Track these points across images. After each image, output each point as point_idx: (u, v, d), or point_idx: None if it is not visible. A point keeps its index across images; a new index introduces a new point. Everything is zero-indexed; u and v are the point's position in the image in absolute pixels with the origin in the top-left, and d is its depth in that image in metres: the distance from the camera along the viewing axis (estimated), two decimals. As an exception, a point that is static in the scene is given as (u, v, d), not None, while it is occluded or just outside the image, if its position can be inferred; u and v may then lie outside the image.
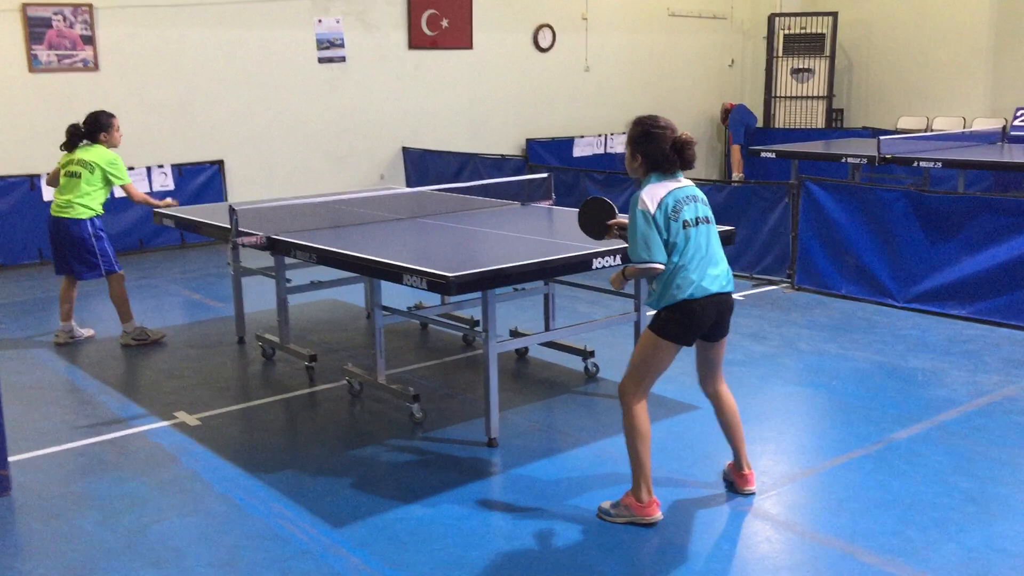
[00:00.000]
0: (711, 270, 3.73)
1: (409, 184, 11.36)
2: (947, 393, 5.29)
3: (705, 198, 3.82)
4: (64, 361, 6.14)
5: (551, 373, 5.78)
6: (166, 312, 7.56)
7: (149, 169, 9.78)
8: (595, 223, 4.09)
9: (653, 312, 3.79)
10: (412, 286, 4.25)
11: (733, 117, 13.70)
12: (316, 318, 7.10)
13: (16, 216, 9.12)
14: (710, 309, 3.73)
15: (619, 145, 13.16)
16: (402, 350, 6.23)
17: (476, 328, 6.00)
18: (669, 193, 3.67)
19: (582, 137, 13.03)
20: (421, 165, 11.46)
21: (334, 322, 7.03)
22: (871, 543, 3.63)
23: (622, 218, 3.97)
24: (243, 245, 5.34)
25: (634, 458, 3.81)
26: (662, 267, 3.65)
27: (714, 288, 3.72)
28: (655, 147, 3.69)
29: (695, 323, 3.72)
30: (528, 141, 12.67)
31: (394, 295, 5.46)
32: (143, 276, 8.75)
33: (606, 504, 3.92)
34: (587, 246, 4.59)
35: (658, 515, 3.82)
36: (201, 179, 10.13)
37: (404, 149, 11.66)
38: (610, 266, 4.55)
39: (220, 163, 10.28)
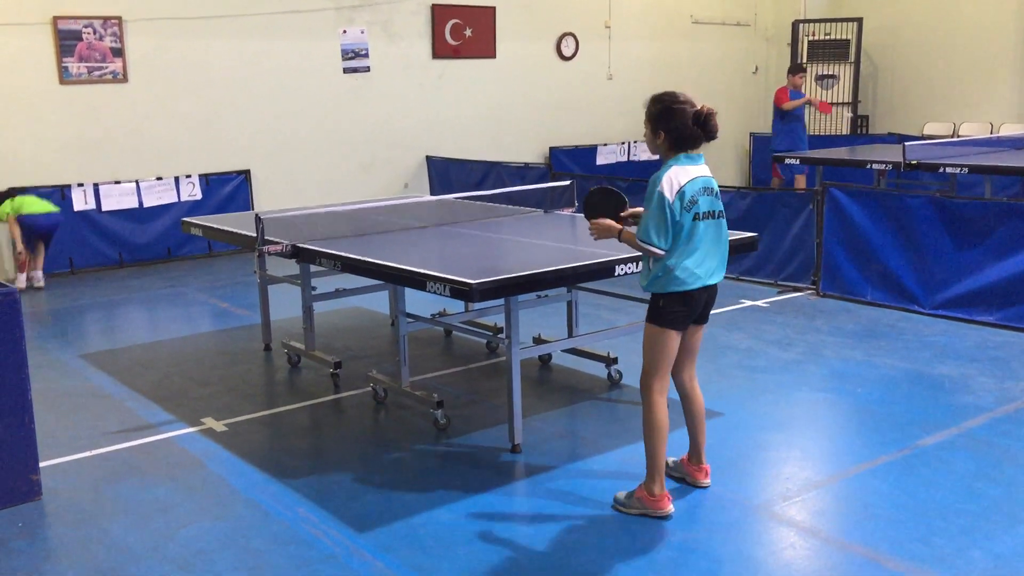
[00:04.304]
0: (712, 264, 3.83)
1: (433, 193, 11.41)
2: (974, 400, 5.25)
3: (718, 190, 3.88)
4: (93, 368, 6.22)
5: (574, 379, 5.79)
6: (194, 320, 7.64)
7: (177, 179, 9.89)
8: (606, 214, 3.93)
9: (649, 299, 3.89)
10: (435, 293, 4.28)
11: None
12: (341, 325, 7.15)
13: (47, 226, 9.23)
14: (702, 297, 3.86)
15: (643, 153, 13.13)
16: (426, 357, 6.27)
17: (499, 335, 6.02)
18: (690, 181, 3.71)
19: (605, 145, 13.04)
20: (445, 174, 11.51)
21: (359, 329, 7.08)
22: (897, 550, 3.61)
23: (635, 209, 3.96)
24: (269, 253, 5.39)
25: (649, 451, 3.90)
26: (663, 253, 3.73)
27: (711, 281, 3.85)
28: (678, 123, 3.73)
29: (691, 309, 3.85)
30: (551, 149, 12.69)
31: (418, 302, 5.49)
32: (171, 284, 8.86)
33: (621, 495, 4.01)
34: (610, 253, 4.60)
35: (670, 508, 3.89)
36: (228, 189, 10.23)
37: (428, 158, 11.73)
38: (633, 272, 4.55)
39: (247, 173, 10.39)
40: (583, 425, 5.07)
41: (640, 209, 3.86)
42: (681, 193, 3.69)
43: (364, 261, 4.80)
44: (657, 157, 3.88)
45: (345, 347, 6.56)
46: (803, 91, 11.79)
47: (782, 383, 5.62)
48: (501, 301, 4.55)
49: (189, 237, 9.33)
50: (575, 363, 5.95)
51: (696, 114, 3.72)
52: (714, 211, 3.81)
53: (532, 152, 12.55)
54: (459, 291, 4.16)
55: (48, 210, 8.76)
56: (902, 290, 7.18)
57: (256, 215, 5.48)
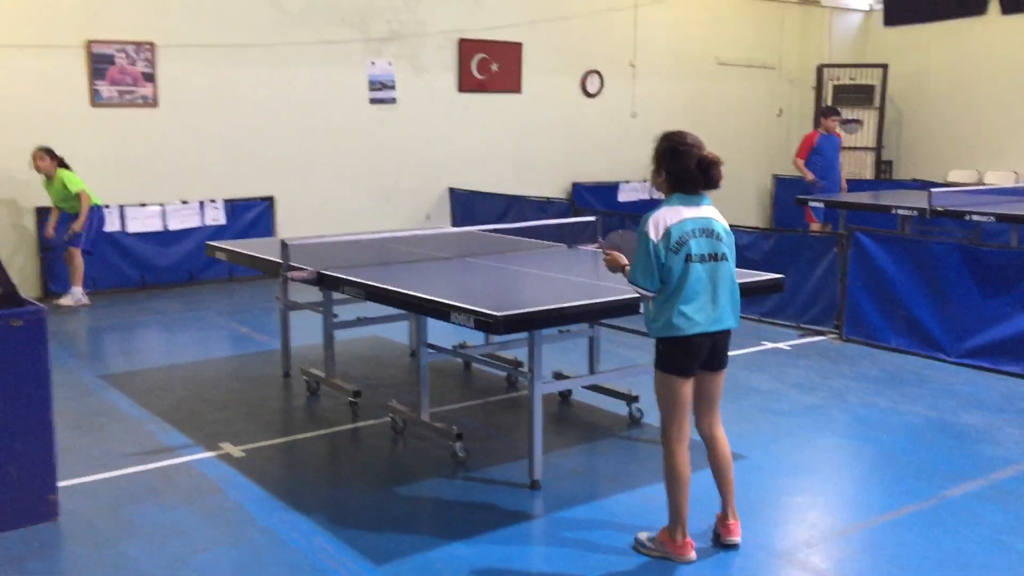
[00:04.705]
0: (714, 310, 3.69)
1: (455, 224, 11.43)
2: (1001, 451, 5.16)
3: (726, 231, 3.75)
4: (113, 389, 6.22)
5: (594, 417, 5.74)
6: (213, 344, 7.65)
7: (202, 203, 9.96)
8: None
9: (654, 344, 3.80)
10: (459, 324, 4.26)
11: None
12: (361, 354, 7.14)
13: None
14: (706, 343, 3.72)
15: (665, 191, 13.12)
16: (445, 389, 6.24)
17: (520, 368, 5.99)
18: (679, 223, 3.63)
19: (627, 182, 13.06)
20: (467, 206, 11.54)
21: (379, 359, 7.06)
22: (923, 602, 3.53)
23: None
24: (293, 279, 5.40)
25: (670, 499, 3.83)
26: (651, 294, 3.69)
27: (713, 328, 3.70)
28: (680, 164, 3.68)
29: (692, 355, 3.72)
30: (574, 185, 12.72)
31: (435, 334, 5.47)
32: (191, 309, 8.88)
33: (643, 536, 3.94)
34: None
35: (692, 556, 3.81)
36: (252, 214, 10.29)
37: (451, 190, 11.77)
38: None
39: (271, 199, 10.45)
40: (603, 463, 5.01)
41: None
42: (667, 234, 3.62)
43: (389, 290, 4.79)
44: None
45: (364, 376, 6.54)
46: (836, 133, 11.25)
47: (805, 427, 5.55)
48: (523, 335, 4.53)
49: (211, 261, 9.38)
50: (596, 400, 5.91)
51: (700, 159, 3.66)
52: (716, 253, 3.68)
53: (555, 187, 12.59)
54: (484, 323, 4.14)
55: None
56: (927, 337, 7.10)
57: (282, 241, 5.49)
